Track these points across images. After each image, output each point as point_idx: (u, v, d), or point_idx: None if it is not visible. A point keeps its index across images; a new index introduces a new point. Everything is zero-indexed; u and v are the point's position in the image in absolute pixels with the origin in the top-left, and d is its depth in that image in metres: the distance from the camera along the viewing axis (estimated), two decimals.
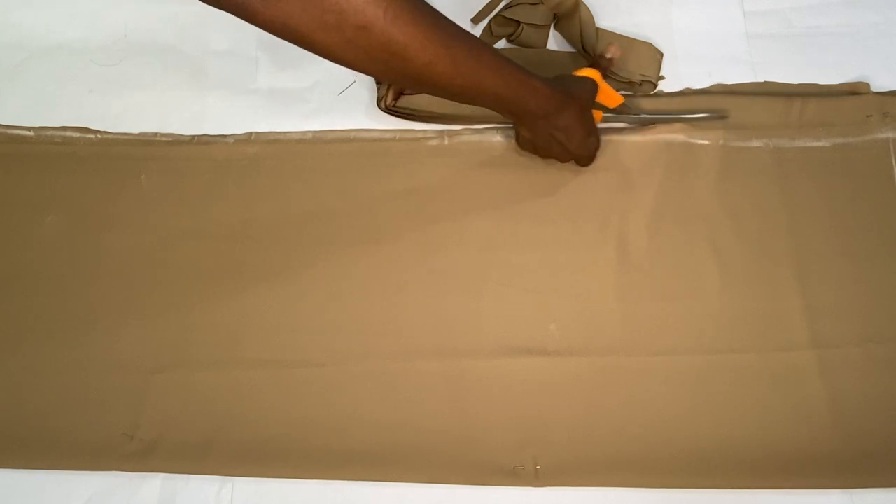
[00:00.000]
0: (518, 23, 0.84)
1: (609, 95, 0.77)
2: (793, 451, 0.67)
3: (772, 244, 0.74)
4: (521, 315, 0.73)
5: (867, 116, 0.79)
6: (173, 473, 0.69)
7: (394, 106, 0.81)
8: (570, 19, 0.84)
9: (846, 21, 0.86)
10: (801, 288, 0.72)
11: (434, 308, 0.73)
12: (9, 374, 0.73)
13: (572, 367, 0.71)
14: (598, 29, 0.84)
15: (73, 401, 0.71)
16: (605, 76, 0.77)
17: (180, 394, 0.71)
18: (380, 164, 0.80)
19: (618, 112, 0.79)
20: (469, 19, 0.86)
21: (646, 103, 0.81)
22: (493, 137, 0.81)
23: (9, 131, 0.84)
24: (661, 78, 0.83)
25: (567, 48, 0.86)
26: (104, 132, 0.83)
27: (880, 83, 0.81)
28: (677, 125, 0.79)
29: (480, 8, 0.87)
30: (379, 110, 0.82)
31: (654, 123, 0.80)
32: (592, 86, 0.74)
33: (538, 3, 0.84)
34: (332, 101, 0.84)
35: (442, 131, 0.81)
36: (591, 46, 0.82)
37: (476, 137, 0.81)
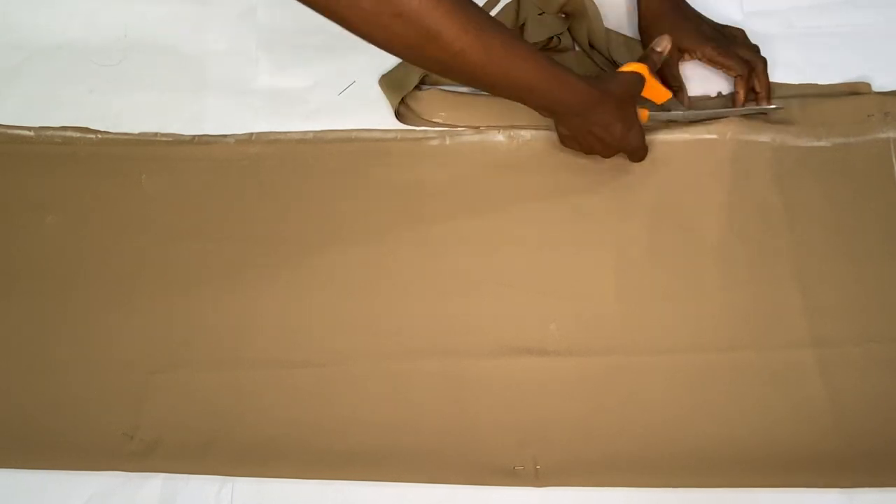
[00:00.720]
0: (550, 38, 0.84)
1: (656, 91, 0.75)
2: (792, 450, 0.66)
3: (772, 243, 0.74)
4: (521, 315, 0.73)
5: (868, 116, 0.79)
6: (173, 473, 0.69)
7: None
8: (579, 21, 0.84)
9: (846, 21, 0.86)
10: (801, 287, 0.72)
11: (434, 308, 0.73)
12: (9, 374, 0.73)
13: (572, 367, 0.71)
14: (607, 30, 0.84)
15: (73, 401, 0.71)
16: (655, 70, 0.75)
17: (180, 394, 0.71)
18: (381, 165, 0.80)
19: (665, 108, 0.78)
20: None
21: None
22: (494, 138, 0.81)
23: (9, 131, 0.83)
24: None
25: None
26: (104, 132, 0.83)
27: (880, 83, 0.81)
28: (725, 120, 0.78)
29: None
30: (378, 110, 0.82)
31: (701, 120, 0.79)
32: (636, 80, 0.73)
33: (542, 14, 0.83)
34: (332, 101, 0.84)
35: (443, 131, 0.81)
36: (600, 47, 0.82)
37: (477, 138, 0.81)
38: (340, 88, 0.85)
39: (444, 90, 0.83)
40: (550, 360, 0.71)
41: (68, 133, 0.83)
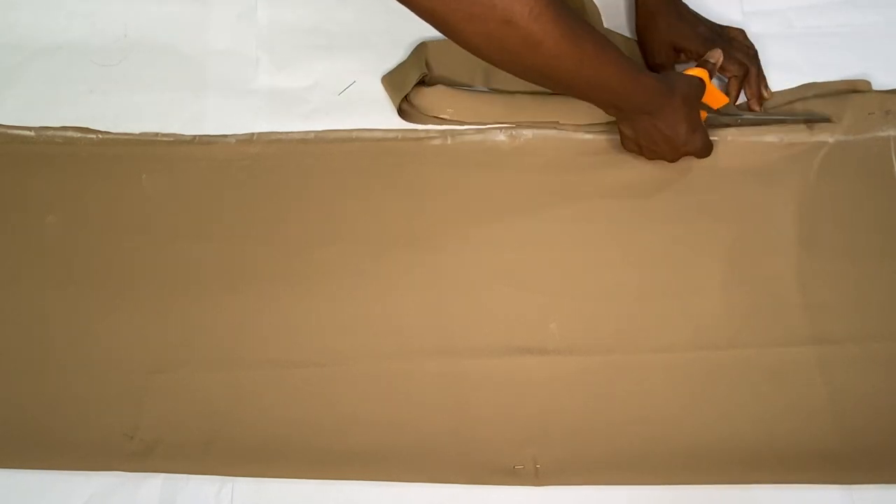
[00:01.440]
0: None
1: (714, 96, 0.77)
2: (793, 447, 0.66)
3: (772, 241, 0.74)
4: (521, 315, 0.73)
5: (869, 114, 0.79)
6: (173, 473, 0.69)
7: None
8: None
9: (846, 21, 0.86)
10: (801, 285, 0.72)
11: (435, 308, 0.73)
12: (9, 374, 0.73)
13: (573, 366, 0.70)
14: (606, 30, 0.84)
15: (72, 401, 0.71)
16: (711, 77, 0.77)
17: (180, 394, 0.71)
18: (382, 164, 0.80)
19: (721, 113, 0.79)
20: None
21: None
22: (496, 137, 0.81)
23: (9, 131, 0.83)
24: None
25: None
26: (105, 132, 0.83)
27: (880, 83, 0.82)
28: (774, 126, 0.79)
29: None
30: (379, 110, 0.82)
31: (756, 125, 0.79)
32: (700, 84, 0.74)
33: None
34: (332, 101, 0.84)
35: (445, 131, 0.81)
36: None
37: (479, 137, 0.81)
38: (340, 88, 0.85)
39: (449, 87, 0.83)
40: (550, 360, 0.71)
41: (69, 133, 0.83)
